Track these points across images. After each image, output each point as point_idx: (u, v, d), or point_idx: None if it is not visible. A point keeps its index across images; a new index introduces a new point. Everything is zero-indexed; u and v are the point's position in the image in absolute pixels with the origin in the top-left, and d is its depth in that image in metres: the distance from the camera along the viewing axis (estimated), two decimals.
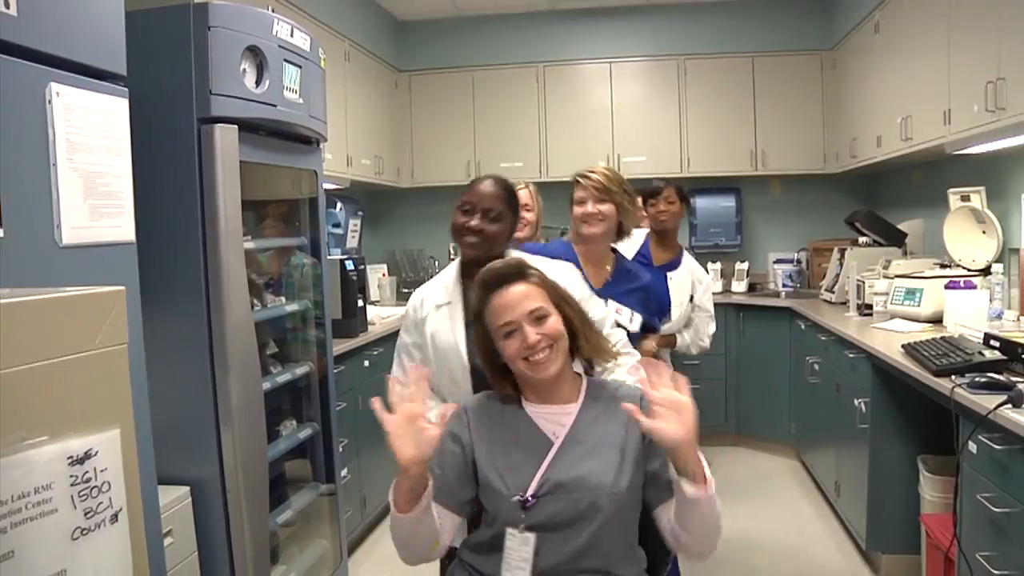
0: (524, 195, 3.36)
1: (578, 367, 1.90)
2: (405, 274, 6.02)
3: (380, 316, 4.46)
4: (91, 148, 1.71)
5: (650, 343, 2.85)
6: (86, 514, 0.96)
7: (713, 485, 1.61)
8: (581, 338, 1.82)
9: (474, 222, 2.21)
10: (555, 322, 1.77)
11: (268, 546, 2.67)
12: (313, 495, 3.17)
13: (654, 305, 2.85)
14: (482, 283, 1.83)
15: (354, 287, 3.84)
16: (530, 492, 1.70)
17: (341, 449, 3.37)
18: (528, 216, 3.38)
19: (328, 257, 3.32)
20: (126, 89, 1.82)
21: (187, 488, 2.43)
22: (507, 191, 2.26)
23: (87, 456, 0.96)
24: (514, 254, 2.27)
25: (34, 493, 0.90)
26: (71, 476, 0.94)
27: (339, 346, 3.52)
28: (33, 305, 0.96)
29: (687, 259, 3.67)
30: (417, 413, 1.61)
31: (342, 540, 3.31)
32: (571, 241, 2.82)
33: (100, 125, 1.73)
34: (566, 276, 2.32)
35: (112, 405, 1.01)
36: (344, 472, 3.42)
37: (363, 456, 3.77)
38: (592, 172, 2.71)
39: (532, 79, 5.76)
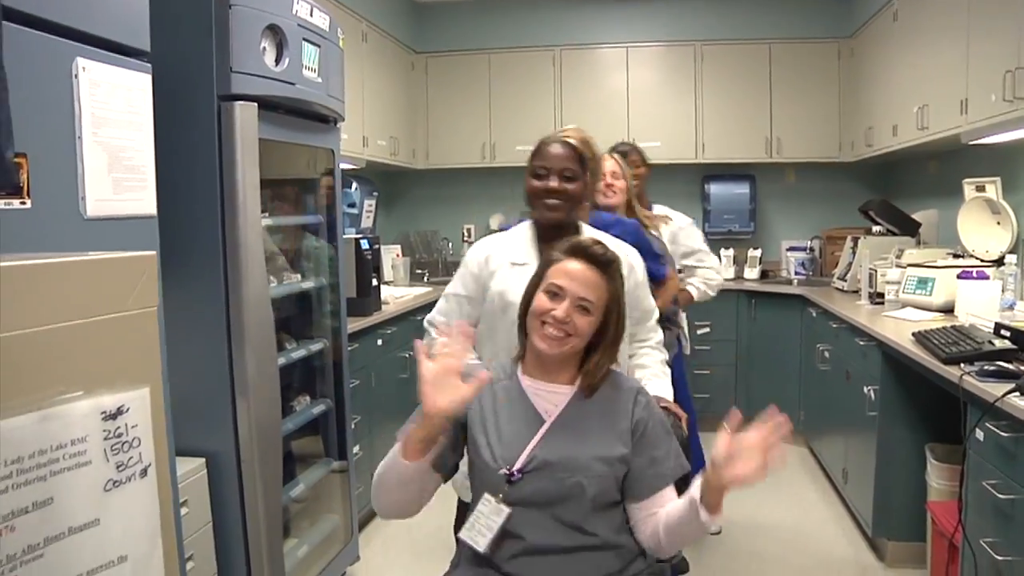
0: (612, 164, 3.35)
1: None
2: (419, 255, 6.06)
3: (394, 296, 4.50)
4: (115, 123, 1.74)
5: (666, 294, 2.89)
6: (118, 467, 1.00)
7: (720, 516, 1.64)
8: (597, 351, 1.82)
9: (553, 183, 2.23)
10: (589, 324, 1.77)
11: (281, 519, 2.72)
12: (325, 471, 3.22)
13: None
14: (572, 248, 1.83)
15: (369, 266, 3.87)
16: (516, 467, 1.73)
17: (353, 426, 3.41)
18: (618, 184, 3.35)
19: (343, 236, 3.36)
20: (149, 65, 1.86)
21: (203, 460, 2.48)
22: (576, 150, 2.27)
23: (119, 412, 1.00)
24: (587, 229, 2.32)
25: (70, 445, 0.95)
26: (104, 431, 0.99)
27: (353, 324, 3.56)
28: (70, 266, 1.00)
29: (658, 210, 3.71)
30: (456, 367, 1.64)
31: (353, 516, 3.36)
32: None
33: (124, 100, 1.77)
34: (635, 261, 2.37)
35: (142, 365, 1.05)
36: (356, 449, 3.46)
37: (375, 434, 3.82)
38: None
39: (548, 63, 5.75)
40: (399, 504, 1.80)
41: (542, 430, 1.77)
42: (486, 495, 1.73)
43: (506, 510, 1.71)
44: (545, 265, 1.84)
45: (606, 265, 1.80)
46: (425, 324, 2.40)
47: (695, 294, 3.74)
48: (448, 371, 1.64)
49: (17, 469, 0.88)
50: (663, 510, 1.75)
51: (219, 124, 2.41)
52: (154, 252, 1.18)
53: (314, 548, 3.05)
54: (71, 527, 0.96)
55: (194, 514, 2.41)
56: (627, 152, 3.69)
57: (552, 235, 2.25)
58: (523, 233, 2.33)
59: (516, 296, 2.10)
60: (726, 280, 5.59)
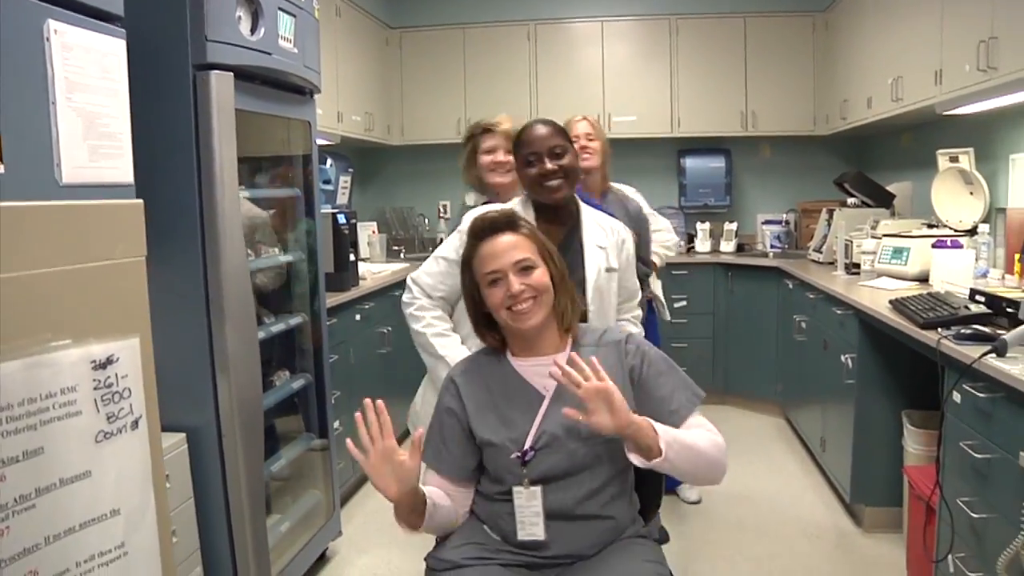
0: (585, 126, 3.37)
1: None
2: (395, 232, 6.02)
3: (371, 271, 4.48)
4: (90, 88, 1.70)
5: None
6: (109, 418, 0.98)
7: (668, 452, 1.63)
8: (557, 296, 1.83)
9: (549, 166, 2.23)
10: (541, 275, 1.80)
11: (263, 494, 2.70)
12: (306, 446, 3.20)
13: None
14: (472, 231, 1.86)
15: (346, 241, 3.84)
16: (527, 446, 1.74)
17: (333, 401, 3.40)
18: (593, 145, 3.35)
19: (321, 211, 3.33)
20: (123, 30, 1.81)
21: (183, 435, 2.45)
22: (555, 125, 2.30)
23: (109, 362, 0.98)
24: (584, 208, 2.34)
25: (60, 394, 0.93)
26: (94, 380, 0.97)
27: (331, 299, 3.53)
28: (56, 211, 0.98)
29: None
30: (391, 448, 1.62)
31: (334, 491, 3.35)
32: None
33: (98, 65, 1.73)
34: (627, 236, 2.39)
35: (131, 315, 1.03)
36: (336, 424, 3.45)
37: (355, 409, 3.76)
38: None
39: (523, 37, 5.72)
40: (447, 530, 1.84)
41: (543, 406, 1.78)
42: (515, 488, 1.74)
43: (537, 490, 1.73)
44: (466, 264, 1.86)
45: (512, 223, 1.84)
46: (408, 281, 2.39)
47: (657, 261, 3.71)
48: (385, 455, 1.62)
49: (7, 416, 0.87)
50: None
51: (195, 94, 2.36)
52: (140, 201, 1.15)
53: (296, 524, 3.04)
54: (62, 478, 0.94)
55: (175, 490, 2.38)
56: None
57: (550, 212, 2.25)
58: (521, 210, 2.34)
59: None
60: (701, 253, 5.64)
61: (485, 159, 2.82)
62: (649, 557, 1.78)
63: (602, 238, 2.33)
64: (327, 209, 4.33)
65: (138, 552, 1.07)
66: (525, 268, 1.78)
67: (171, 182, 2.39)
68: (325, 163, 4.88)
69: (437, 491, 1.81)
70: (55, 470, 0.95)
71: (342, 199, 5.08)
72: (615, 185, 3.49)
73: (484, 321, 1.88)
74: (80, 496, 0.98)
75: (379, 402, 1.66)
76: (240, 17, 2.49)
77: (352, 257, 3.93)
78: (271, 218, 3.14)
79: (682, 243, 5.51)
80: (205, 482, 2.50)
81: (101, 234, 1.05)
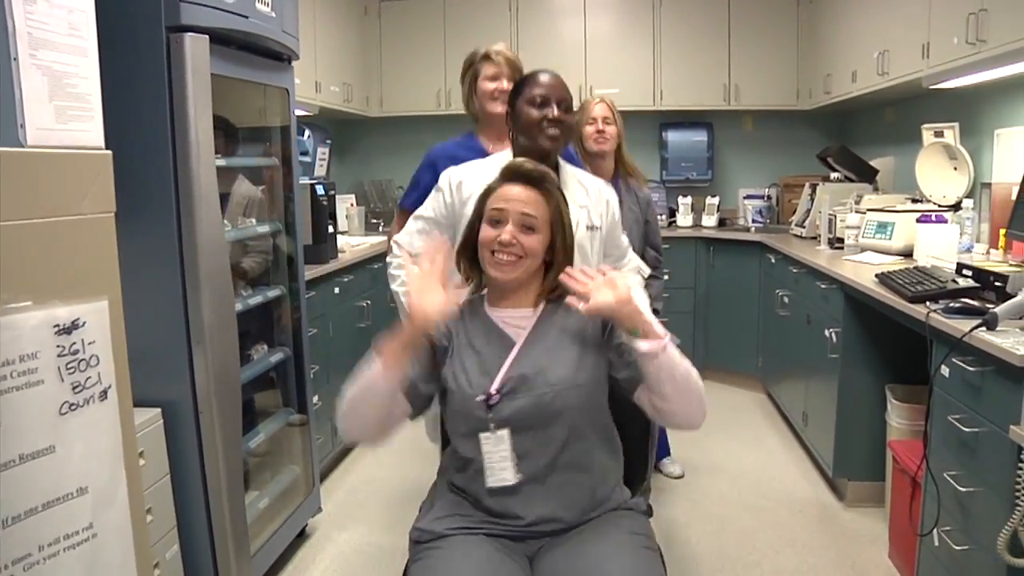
0: (603, 108, 3.35)
1: None
2: (374, 204, 5.93)
3: (350, 244, 4.40)
4: (55, 46, 1.62)
5: None
6: (74, 388, 0.92)
7: (667, 338, 1.63)
8: (553, 269, 1.81)
9: (554, 112, 2.19)
10: (537, 241, 1.77)
11: (241, 470, 2.65)
12: (284, 421, 3.15)
13: None
14: (505, 171, 1.83)
15: (324, 212, 3.76)
16: (493, 388, 1.71)
17: (312, 376, 3.34)
18: (610, 130, 3.35)
19: (299, 182, 3.25)
20: None
21: (158, 410, 2.39)
22: (563, 81, 2.28)
23: (74, 326, 0.91)
24: (565, 166, 2.33)
25: (19, 361, 0.86)
26: (58, 347, 0.90)
27: (309, 272, 3.46)
28: (15, 159, 0.90)
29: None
30: (443, 273, 1.66)
31: (314, 467, 3.31)
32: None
33: (64, 21, 1.64)
34: (611, 197, 2.37)
35: (100, 275, 0.96)
36: (315, 399, 3.39)
37: (334, 383, 3.74)
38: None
39: (504, 8, 5.62)
40: (367, 425, 1.73)
41: (514, 350, 1.76)
42: (482, 435, 1.70)
43: (504, 433, 1.69)
44: (484, 196, 1.83)
45: (540, 180, 1.80)
46: (391, 243, 2.36)
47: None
48: (435, 276, 1.65)
49: None
50: None
51: (168, 57, 2.27)
52: (109, 152, 1.07)
53: (275, 500, 2.99)
54: (23, 454, 0.87)
55: (151, 466, 2.32)
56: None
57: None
58: (502, 162, 2.28)
59: None
60: (683, 227, 5.60)
61: (488, 86, 2.73)
62: (636, 529, 1.75)
63: (583, 196, 2.30)
64: (305, 180, 4.25)
65: (109, 533, 1.01)
66: (527, 227, 1.76)
67: (144, 148, 2.30)
68: (303, 134, 4.79)
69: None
70: (15, 445, 0.88)
71: (320, 171, 4.98)
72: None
73: (469, 254, 1.86)
74: (43, 473, 0.91)
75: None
76: None
77: (331, 229, 3.85)
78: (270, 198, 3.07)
79: (663, 216, 5.49)
80: (182, 458, 2.44)
81: (66, 186, 0.98)
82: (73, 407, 0.95)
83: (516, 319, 1.81)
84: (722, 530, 3.27)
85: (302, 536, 3.26)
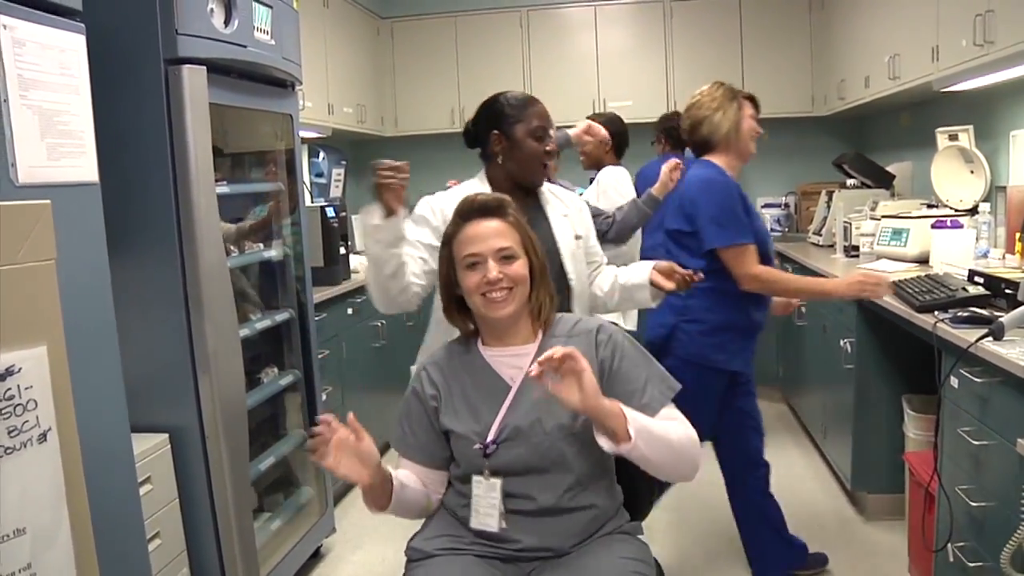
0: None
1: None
2: None
3: (364, 264, 4.41)
4: (47, 85, 1.65)
5: None
6: (10, 432, 0.93)
7: (638, 439, 1.59)
8: (535, 291, 1.79)
9: (551, 147, 2.24)
10: (520, 266, 1.75)
11: (250, 492, 2.67)
12: (297, 442, 3.16)
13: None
14: (459, 210, 1.81)
15: (335, 234, 3.79)
16: (490, 438, 1.71)
17: (325, 397, 3.36)
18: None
19: (308, 204, 3.28)
20: (82, 25, 1.77)
21: (165, 435, 2.42)
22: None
23: (8, 373, 0.93)
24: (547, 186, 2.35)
25: None
26: None
27: (321, 293, 3.49)
28: None
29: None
30: (342, 436, 1.60)
31: (327, 488, 3.32)
32: None
33: (55, 61, 1.68)
34: (584, 208, 2.41)
35: (37, 323, 0.98)
36: None
37: (348, 404, 3.76)
38: None
39: (516, 24, 5.64)
40: (420, 515, 1.86)
41: (509, 397, 1.74)
42: (475, 477, 1.72)
43: (497, 482, 1.69)
44: (447, 244, 1.81)
45: (499, 208, 1.78)
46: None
47: None
48: (341, 446, 1.60)
49: None
50: None
51: (167, 89, 2.31)
52: (48, 201, 1.10)
53: (287, 522, 3.00)
54: None
55: (158, 491, 2.35)
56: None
57: (519, 194, 2.19)
58: (479, 185, 2.29)
59: None
60: None
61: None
62: (628, 554, 1.73)
63: (563, 207, 2.32)
64: (320, 202, 4.29)
65: (50, 572, 1.02)
66: (506, 257, 1.74)
67: (145, 179, 2.35)
68: (318, 156, 4.83)
69: (407, 473, 1.81)
70: None
71: (336, 192, 5.02)
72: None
73: (456, 305, 1.84)
74: None
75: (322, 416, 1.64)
76: (212, 9, 2.43)
77: (343, 250, 3.88)
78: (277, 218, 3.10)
79: None
80: (189, 483, 2.48)
81: (1, 237, 1.00)
82: (9, 450, 0.97)
83: (511, 359, 1.78)
84: (740, 546, 3.22)
85: (316, 556, 3.28)
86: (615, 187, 3.64)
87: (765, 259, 2.66)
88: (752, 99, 2.83)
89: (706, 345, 2.64)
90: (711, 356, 2.65)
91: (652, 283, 2.25)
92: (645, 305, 2.39)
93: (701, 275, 2.27)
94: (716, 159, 2.75)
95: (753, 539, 2.92)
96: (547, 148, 2.22)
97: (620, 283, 2.33)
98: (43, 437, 1.00)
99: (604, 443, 1.60)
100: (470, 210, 1.78)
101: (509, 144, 2.24)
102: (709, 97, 2.75)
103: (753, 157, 2.83)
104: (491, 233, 1.75)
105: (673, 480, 1.77)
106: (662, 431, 1.65)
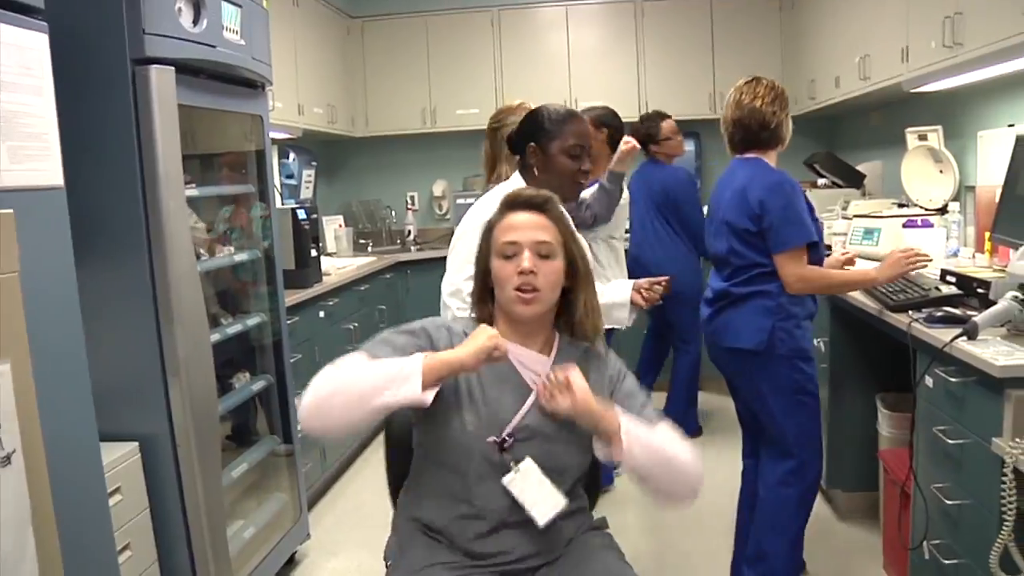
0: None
1: None
2: (362, 225, 5.92)
3: (336, 267, 4.38)
4: (7, 86, 1.60)
5: None
6: None
7: (633, 446, 1.59)
8: (575, 294, 1.75)
9: (586, 166, 2.23)
10: (556, 267, 1.70)
11: (223, 500, 2.62)
12: (270, 448, 3.12)
13: None
14: (506, 201, 1.76)
15: (307, 236, 3.74)
16: (507, 432, 1.64)
17: (297, 402, 3.30)
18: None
19: (279, 206, 3.23)
20: (45, 23, 1.71)
21: (135, 444, 2.37)
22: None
23: None
24: None
25: None
26: None
27: (293, 297, 3.44)
28: None
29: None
30: None
31: (301, 494, 3.27)
32: None
33: (16, 61, 1.62)
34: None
35: (1, 338, 0.93)
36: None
37: None
38: None
39: (487, 24, 5.63)
40: (340, 425, 1.59)
41: (530, 399, 1.68)
42: (505, 479, 1.63)
43: (529, 464, 1.65)
44: (488, 231, 1.75)
45: (544, 204, 1.74)
46: (448, 299, 2.22)
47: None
48: None
49: None
50: None
51: (134, 90, 2.26)
52: (11, 210, 1.06)
53: (261, 529, 2.95)
54: None
55: (129, 501, 2.30)
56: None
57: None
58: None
59: None
60: None
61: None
62: (619, 556, 1.76)
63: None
64: (290, 204, 4.24)
65: None
66: (544, 256, 1.68)
67: (113, 182, 2.30)
68: (288, 157, 4.78)
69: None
70: None
71: (306, 193, 4.97)
72: None
73: (484, 291, 1.77)
74: None
75: None
76: (180, 9, 2.38)
77: (314, 252, 3.83)
78: (242, 219, 3.04)
79: None
80: (161, 492, 2.43)
81: None
82: None
83: (531, 361, 1.73)
84: (716, 545, 3.23)
85: (291, 563, 3.23)
86: None
87: (817, 259, 2.63)
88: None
89: (803, 338, 2.63)
90: (806, 347, 2.65)
91: (633, 302, 2.26)
92: (621, 324, 2.39)
93: (668, 280, 2.34)
94: (768, 157, 2.75)
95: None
96: (582, 167, 2.22)
97: (601, 302, 2.32)
98: (7, 460, 0.96)
99: (601, 452, 1.62)
100: (516, 201, 1.75)
101: (544, 159, 2.23)
102: (781, 98, 2.79)
103: None
104: (533, 225, 1.70)
105: (663, 501, 1.74)
106: (659, 443, 1.64)
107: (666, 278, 2.42)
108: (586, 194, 3.37)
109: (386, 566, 1.81)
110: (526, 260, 1.66)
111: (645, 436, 1.62)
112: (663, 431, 1.68)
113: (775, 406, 2.65)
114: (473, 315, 1.81)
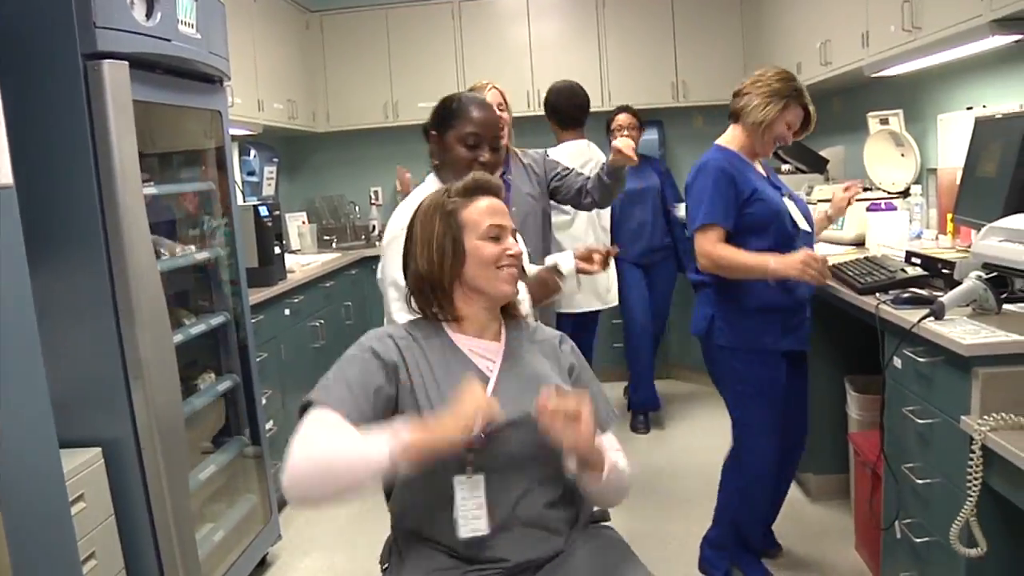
0: (495, 95, 3.08)
1: None
2: (326, 221, 5.86)
3: (300, 264, 4.32)
4: None
5: None
6: None
7: (606, 473, 1.60)
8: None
9: (485, 156, 2.16)
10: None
11: (190, 504, 2.57)
12: (237, 449, 3.07)
13: None
14: (467, 187, 1.73)
15: (270, 234, 3.68)
16: (476, 430, 1.51)
17: (265, 401, 3.26)
18: (505, 116, 3.06)
19: (240, 203, 3.18)
20: None
21: (98, 449, 2.31)
22: (493, 110, 2.24)
23: None
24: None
25: None
26: None
27: (257, 295, 3.39)
28: None
29: None
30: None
31: (271, 494, 3.23)
32: None
33: None
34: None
35: None
36: (269, 424, 3.32)
37: (289, 407, 3.66)
38: None
39: (448, 16, 5.58)
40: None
41: (489, 388, 1.62)
42: (456, 478, 1.56)
43: (480, 478, 1.57)
44: (451, 215, 1.68)
45: (498, 191, 1.77)
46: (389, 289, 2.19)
47: None
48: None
49: None
50: None
51: (86, 85, 2.20)
52: None
53: (231, 531, 2.91)
54: None
55: (93, 508, 2.25)
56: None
57: None
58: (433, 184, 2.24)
59: None
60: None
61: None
62: (628, 553, 1.73)
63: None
64: (252, 201, 4.17)
65: None
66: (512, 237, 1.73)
67: (67, 181, 2.24)
68: (248, 154, 4.71)
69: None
70: None
71: (268, 190, 4.90)
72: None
73: (431, 283, 1.69)
74: None
75: None
76: (133, 2, 2.32)
77: (278, 250, 3.77)
78: (187, 213, 2.99)
79: None
80: (126, 498, 2.37)
81: None
82: None
83: (483, 350, 1.69)
84: (690, 531, 3.23)
85: (263, 565, 3.19)
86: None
87: (779, 237, 2.60)
88: (806, 110, 2.81)
89: (752, 329, 2.62)
90: (755, 339, 2.63)
91: (579, 270, 2.25)
92: (571, 294, 2.38)
93: (616, 248, 2.35)
94: (733, 138, 2.77)
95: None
96: (478, 158, 2.16)
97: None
98: None
99: (574, 472, 1.60)
100: (476, 187, 1.73)
101: (442, 146, 2.21)
102: (766, 84, 2.73)
103: (765, 156, 2.84)
104: (503, 210, 1.73)
105: (602, 506, 1.80)
106: (620, 465, 1.67)
107: (606, 247, 2.43)
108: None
109: (382, 570, 1.77)
110: (513, 246, 1.69)
111: (612, 460, 1.63)
112: (614, 448, 1.70)
113: (723, 393, 2.80)
114: (415, 307, 1.75)
